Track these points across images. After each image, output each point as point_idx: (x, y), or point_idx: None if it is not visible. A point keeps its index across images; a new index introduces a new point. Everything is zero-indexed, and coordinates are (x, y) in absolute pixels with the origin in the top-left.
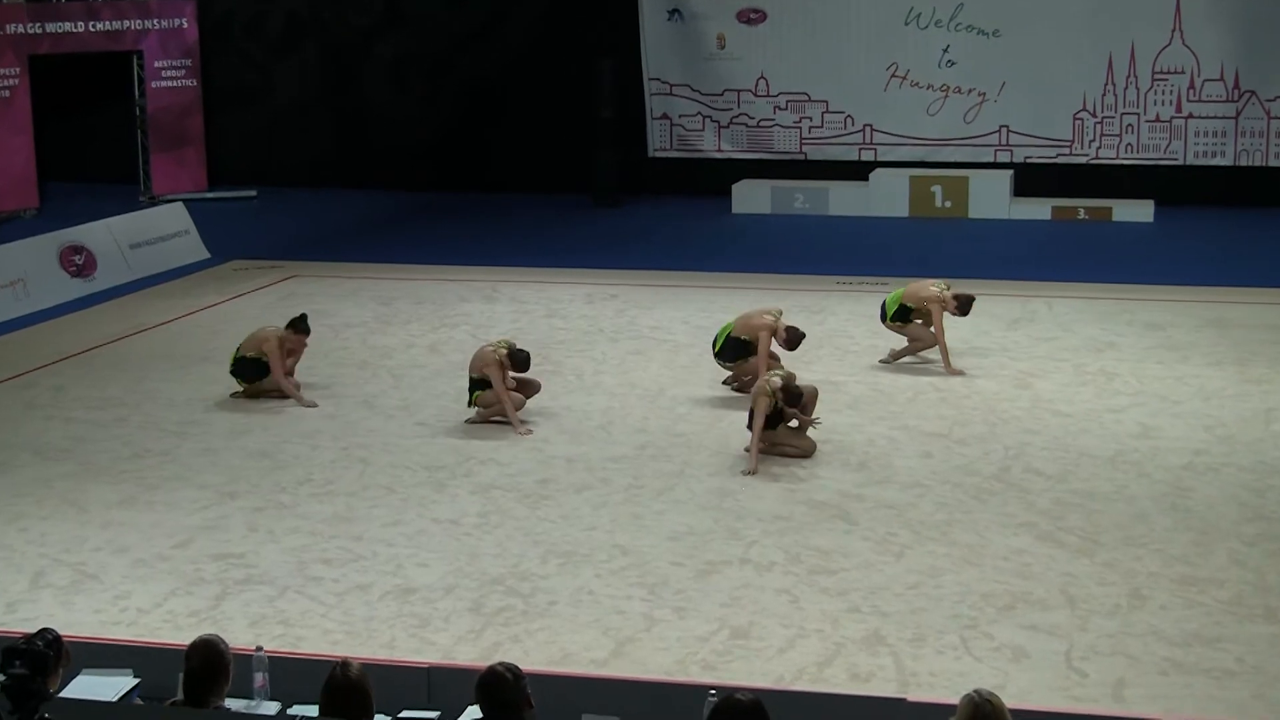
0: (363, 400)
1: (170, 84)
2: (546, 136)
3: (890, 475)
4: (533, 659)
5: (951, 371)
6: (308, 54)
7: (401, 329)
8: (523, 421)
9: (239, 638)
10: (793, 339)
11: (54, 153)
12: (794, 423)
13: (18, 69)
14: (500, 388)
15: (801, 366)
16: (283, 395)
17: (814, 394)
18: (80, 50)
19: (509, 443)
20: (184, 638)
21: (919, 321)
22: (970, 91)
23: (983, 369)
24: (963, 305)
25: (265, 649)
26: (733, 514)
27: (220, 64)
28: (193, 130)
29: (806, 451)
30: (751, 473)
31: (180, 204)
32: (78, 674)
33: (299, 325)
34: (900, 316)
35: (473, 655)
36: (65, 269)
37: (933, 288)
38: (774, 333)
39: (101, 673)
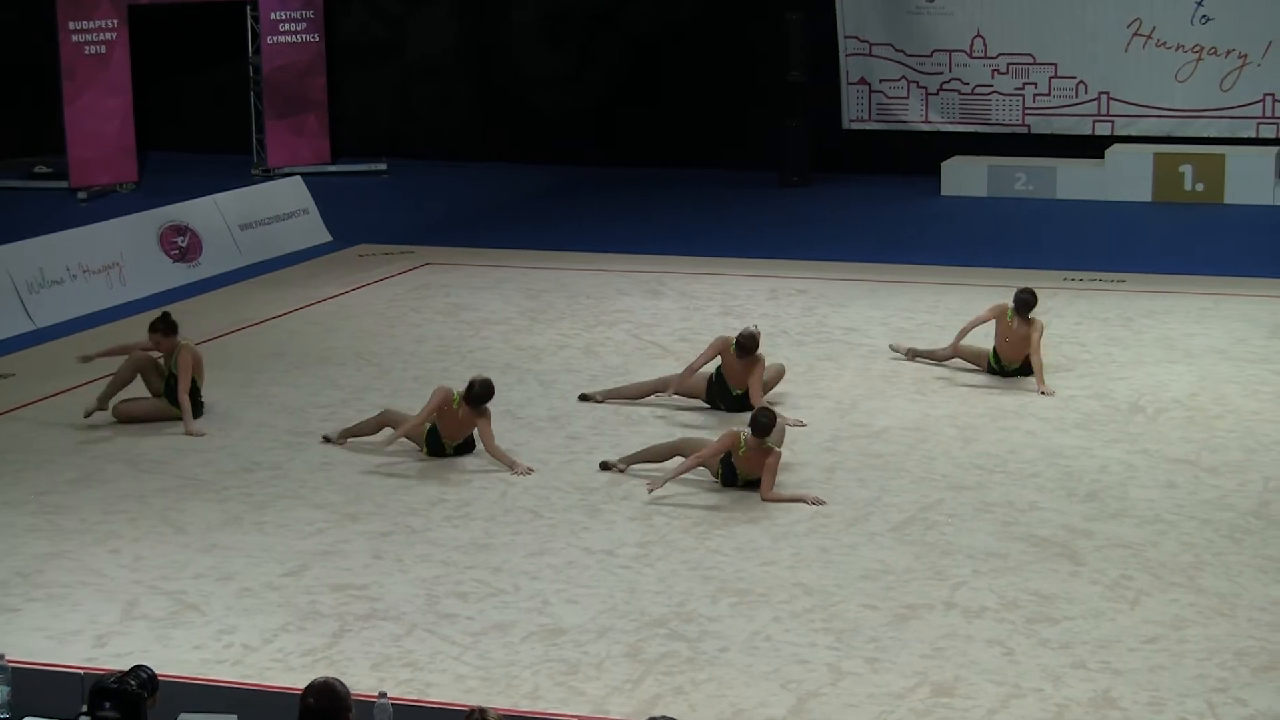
0: (506, 410)
1: (289, 39)
2: (723, 103)
3: (1126, 508)
4: (699, 715)
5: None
6: (446, 5)
7: (551, 327)
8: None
9: (360, 682)
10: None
11: (155, 119)
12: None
13: (115, 21)
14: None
15: (1021, 379)
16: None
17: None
18: (186, 0)
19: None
20: (296, 680)
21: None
22: (1229, 53)
23: (1239, 383)
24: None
25: (389, 695)
26: (937, 549)
27: (347, 16)
28: (314, 93)
29: None
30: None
31: (299, 179)
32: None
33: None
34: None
35: (629, 709)
36: (166, 252)
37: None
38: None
39: (202, 718)
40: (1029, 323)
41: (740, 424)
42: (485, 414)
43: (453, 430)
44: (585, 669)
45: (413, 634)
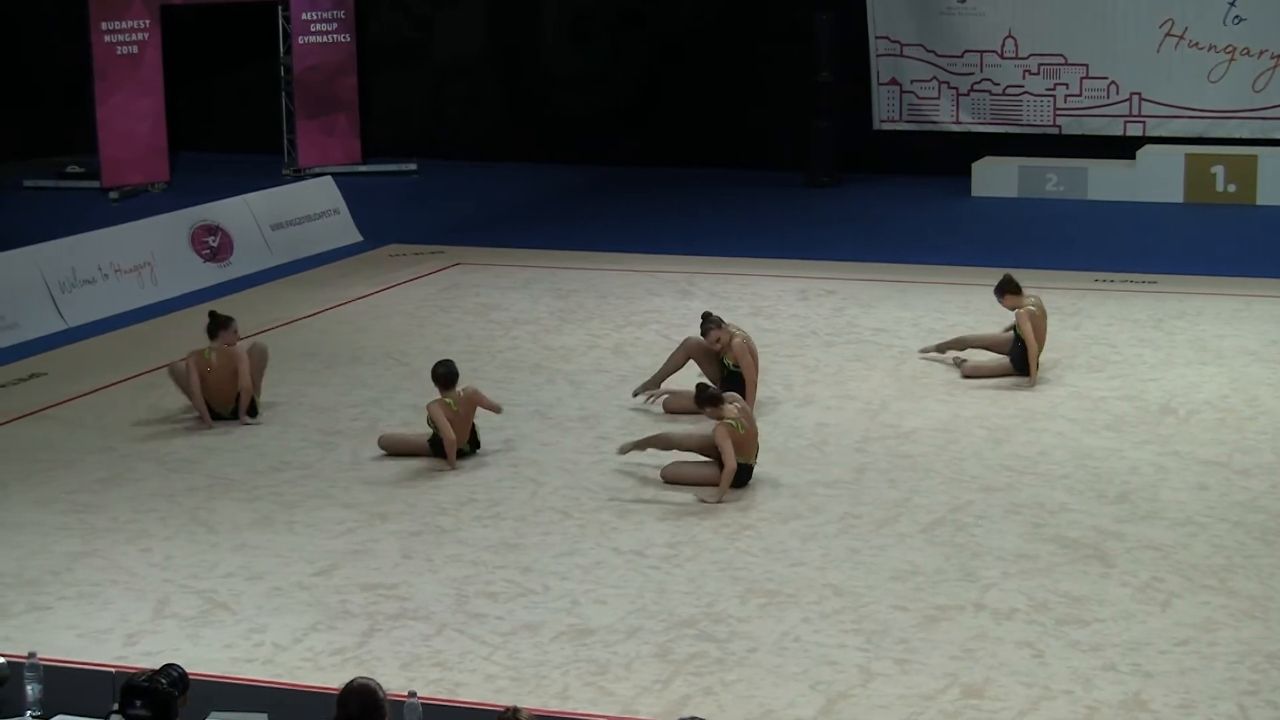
0: (535, 410)
1: (320, 39)
2: (753, 103)
3: (1157, 510)
4: (729, 715)
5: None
6: (475, 5)
7: (581, 327)
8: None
9: (390, 681)
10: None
11: (187, 119)
12: None
13: (147, 21)
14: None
15: (1052, 380)
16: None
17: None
18: (217, 0)
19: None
20: (325, 679)
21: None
22: (1261, 54)
23: (1271, 385)
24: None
25: (419, 695)
26: (967, 551)
27: (378, 17)
28: (345, 94)
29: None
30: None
31: (329, 179)
32: (206, 718)
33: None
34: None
35: (658, 709)
36: (197, 251)
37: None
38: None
39: (232, 717)
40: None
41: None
42: (471, 392)
43: (461, 431)
44: (614, 669)
45: (442, 633)
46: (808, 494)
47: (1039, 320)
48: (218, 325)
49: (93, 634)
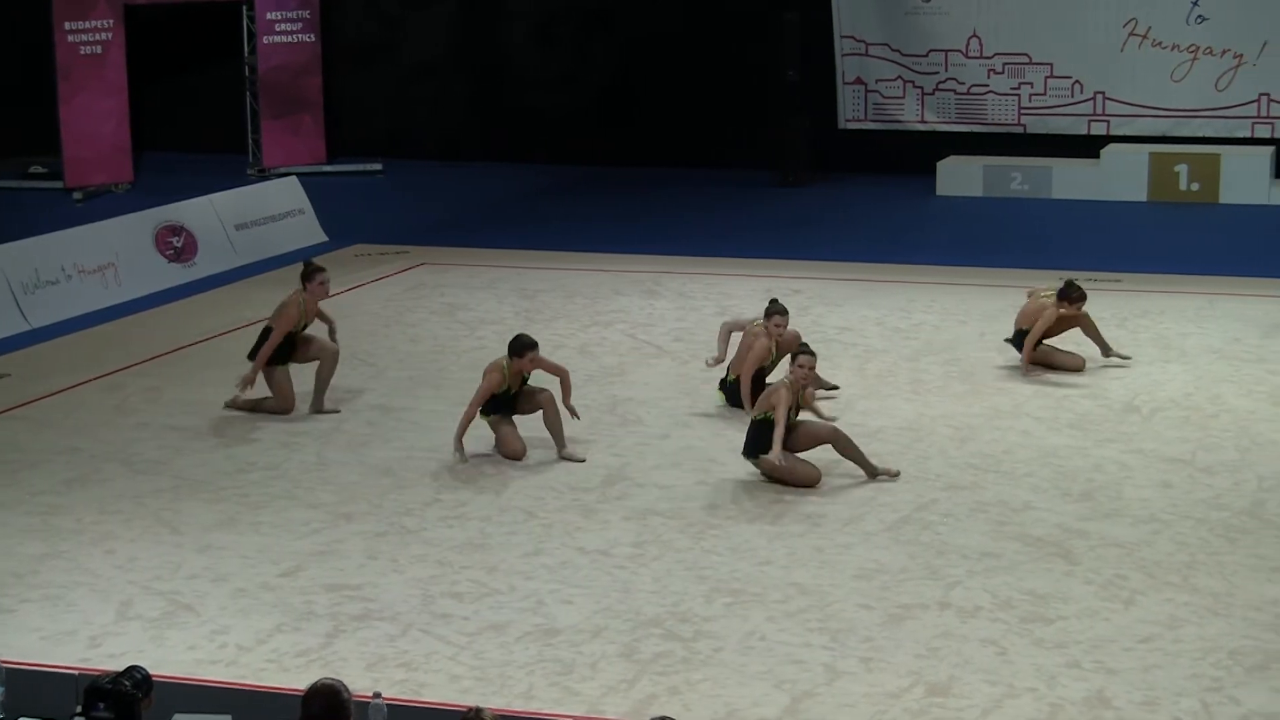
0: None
1: (285, 39)
2: (719, 103)
3: (1120, 507)
4: (694, 715)
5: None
6: (443, 5)
7: (546, 327)
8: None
9: (355, 682)
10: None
11: (151, 119)
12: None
13: (111, 21)
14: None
15: (1018, 377)
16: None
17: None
18: (182, 0)
19: (670, 463)
20: (290, 680)
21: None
22: (1224, 53)
23: (1234, 382)
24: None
25: (384, 696)
26: (931, 549)
27: (343, 16)
28: (310, 93)
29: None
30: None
31: (294, 179)
32: None
33: (307, 272)
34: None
35: (624, 709)
36: (161, 252)
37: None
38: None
39: (196, 718)
40: (1059, 306)
41: None
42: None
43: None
44: (580, 669)
45: (408, 634)
46: (773, 494)
47: (1033, 303)
48: (306, 275)
49: (56, 636)
